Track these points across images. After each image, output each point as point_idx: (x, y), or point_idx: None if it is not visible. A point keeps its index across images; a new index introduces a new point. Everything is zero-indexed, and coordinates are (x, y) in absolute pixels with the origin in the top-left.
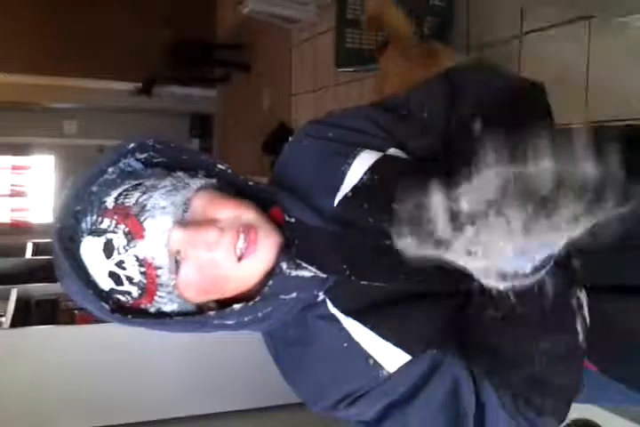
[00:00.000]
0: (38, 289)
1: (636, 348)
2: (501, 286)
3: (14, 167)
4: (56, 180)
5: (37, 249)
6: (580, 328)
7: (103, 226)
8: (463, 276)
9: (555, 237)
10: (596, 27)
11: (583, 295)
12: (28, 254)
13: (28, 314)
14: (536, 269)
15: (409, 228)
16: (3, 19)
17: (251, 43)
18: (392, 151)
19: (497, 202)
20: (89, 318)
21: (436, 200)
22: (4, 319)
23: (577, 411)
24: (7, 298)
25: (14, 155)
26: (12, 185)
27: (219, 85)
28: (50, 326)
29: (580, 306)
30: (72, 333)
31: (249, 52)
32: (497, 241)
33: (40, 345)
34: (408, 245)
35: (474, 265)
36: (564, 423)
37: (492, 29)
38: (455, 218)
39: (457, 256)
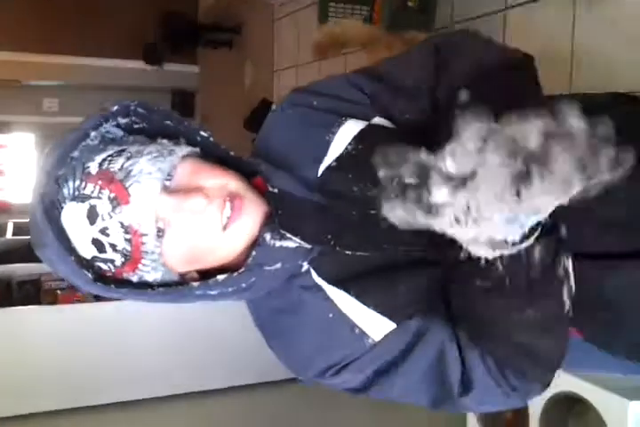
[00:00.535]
0: (20, 269)
1: (620, 315)
2: (490, 254)
3: None
4: (36, 158)
5: (18, 229)
6: (566, 297)
7: (87, 191)
8: (449, 244)
9: (544, 202)
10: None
11: (570, 264)
12: (9, 235)
13: (9, 295)
14: (525, 237)
15: (396, 194)
16: None
17: (232, 18)
18: (377, 120)
19: (484, 161)
20: (71, 298)
21: (422, 160)
22: None
23: (561, 384)
24: None
25: None
26: None
27: (201, 60)
28: (32, 306)
29: (567, 274)
30: (55, 313)
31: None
32: (486, 207)
33: (23, 326)
34: (395, 213)
35: (462, 233)
36: (547, 394)
37: (477, 3)
38: (443, 180)
39: (445, 224)
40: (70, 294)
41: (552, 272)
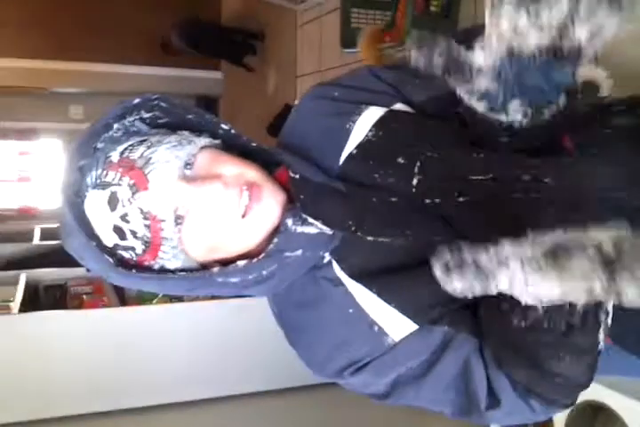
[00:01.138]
0: (47, 274)
1: None
2: (538, 304)
3: (21, 153)
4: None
5: (45, 234)
6: (601, 337)
7: (108, 179)
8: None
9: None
10: None
11: (610, 305)
12: (36, 240)
13: (36, 299)
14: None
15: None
16: (7, 5)
17: (256, 24)
18: (398, 106)
19: None
20: (97, 303)
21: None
22: (12, 304)
23: (585, 392)
24: (16, 283)
25: (21, 140)
26: (19, 170)
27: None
28: (58, 311)
29: (607, 314)
30: (80, 317)
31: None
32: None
33: (49, 330)
34: (454, 284)
35: (519, 293)
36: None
37: None
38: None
39: (501, 287)
40: (96, 299)
41: (593, 318)
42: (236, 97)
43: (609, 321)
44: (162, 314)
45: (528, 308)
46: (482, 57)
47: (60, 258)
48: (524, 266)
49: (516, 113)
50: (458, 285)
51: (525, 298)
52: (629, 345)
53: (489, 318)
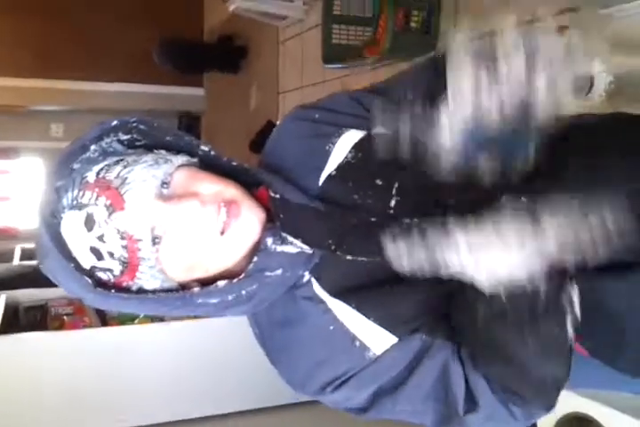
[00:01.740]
0: (27, 295)
1: (621, 328)
2: (494, 289)
3: (0, 171)
4: (44, 183)
5: (25, 254)
6: (569, 325)
7: (84, 200)
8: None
9: None
10: (581, 18)
11: (575, 294)
12: (16, 260)
13: (16, 320)
14: (531, 277)
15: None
16: None
17: (238, 40)
18: (377, 130)
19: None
20: (78, 324)
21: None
22: None
23: (570, 404)
24: None
25: (0, 159)
26: None
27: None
28: (39, 332)
29: (572, 305)
30: (62, 338)
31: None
32: (494, 253)
33: (30, 352)
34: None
35: (471, 271)
36: (557, 415)
37: (480, 23)
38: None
39: (455, 262)
40: (77, 320)
41: (556, 304)
42: (218, 113)
43: (577, 311)
44: (144, 334)
45: (492, 297)
46: (447, 137)
47: (40, 278)
48: (470, 247)
49: (486, 166)
50: (407, 265)
51: (478, 280)
52: (606, 358)
53: (459, 312)
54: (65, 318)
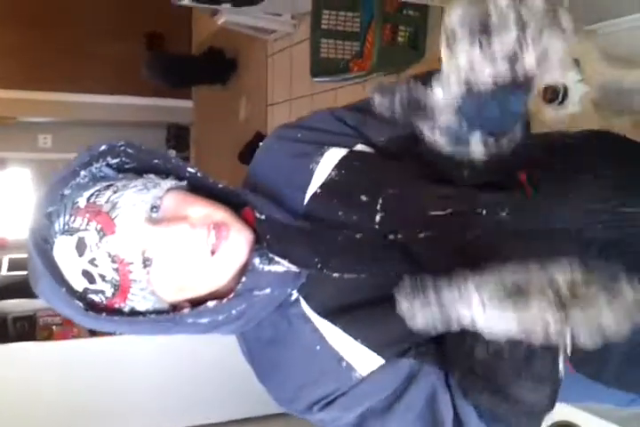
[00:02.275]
0: (15, 305)
1: (605, 344)
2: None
3: None
4: (32, 194)
5: (13, 265)
6: (561, 360)
7: (75, 225)
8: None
9: None
10: None
11: (569, 332)
12: (4, 270)
13: (5, 331)
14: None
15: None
16: None
17: (226, 54)
18: (359, 147)
19: None
20: (67, 334)
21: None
22: None
23: (556, 413)
24: None
25: None
26: None
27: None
28: (28, 342)
29: (565, 338)
30: (51, 349)
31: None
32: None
33: (18, 362)
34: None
35: (482, 326)
36: (544, 424)
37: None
38: None
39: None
40: (66, 330)
41: (552, 347)
42: (206, 125)
43: (568, 350)
44: (133, 344)
45: (490, 340)
46: (441, 94)
47: (28, 289)
48: (484, 306)
49: (476, 145)
50: (421, 322)
51: (486, 333)
52: (591, 373)
53: (453, 347)
54: (54, 328)
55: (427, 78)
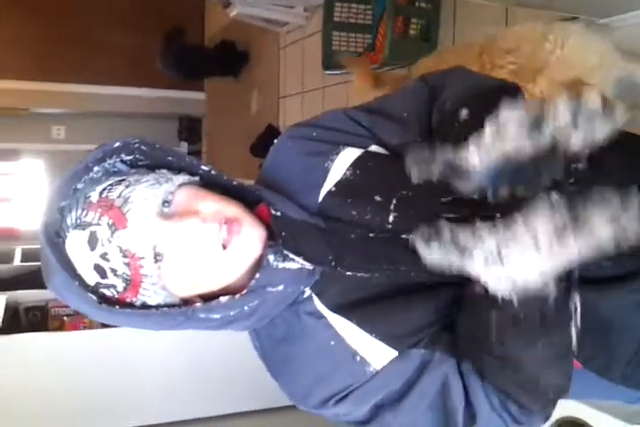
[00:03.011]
0: (27, 296)
1: (612, 339)
2: (508, 293)
3: (2, 173)
4: (45, 185)
5: (26, 255)
6: (573, 332)
7: (87, 219)
8: (462, 277)
9: (573, 256)
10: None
11: (578, 300)
12: (17, 261)
13: (17, 321)
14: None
15: (432, 235)
16: None
17: (238, 46)
18: (373, 148)
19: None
20: (78, 325)
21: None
22: None
23: (564, 409)
24: None
25: (2, 161)
26: (0, 191)
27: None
28: (40, 332)
29: (576, 310)
30: (62, 339)
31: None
32: (519, 254)
33: (30, 352)
34: (432, 252)
35: (487, 274)
36: (551, 420)
37: (478, 30)
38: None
39: (476, 265)
40: (77, 321)
41: (564, 308)
42: (219, 117)
43: (579, 318)
44: (143, 335)
45: (504, 304)
46: (477, 160)
47: (40, 279)
48: (500, 241)
49: (503, 192)
50: (436, 257)
51: (500, 280)
52: (599, 369)
53: (468, 322)
54: (65, 318)
55: (471, 112)
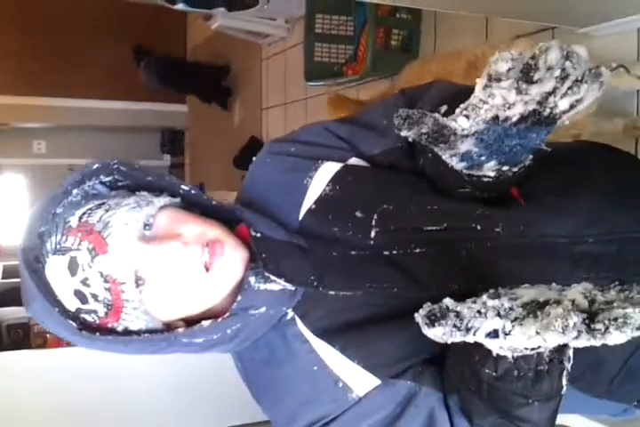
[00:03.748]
0: (9, 313)
1: (598, 356)
2: (506, 354)
3: None
4: (26, 200)
5: (7, 272)
6: (564, 381)
7: (67, 244)
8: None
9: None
10: (560, 37)
11: (571, 351)
12: None
13: None
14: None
15: (437, 318)
16: None
17: (221, 58)
18: (353, 161)
19: None
20: (61, 342)
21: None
22: None
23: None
24: None
25: None
26: None
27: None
28: (22, 350)
29: (569, 359)
30: (45, 357)
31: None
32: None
33: (13, 370)
34: (435, 332)
35: (491, 344)
36: None
37: (459, 40)
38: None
39: (478, 339)
40: (60, 338)
41: (558, 364)
42: (201, 129)
43: (568, 366)
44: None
45: (499, 358)
46: (466, 124)
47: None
48: (504, 317)
49: (489, 171)
50: (439, 331)
51: (501, 348)
52: (584, 387)
53: (458, 369)
54: (48, 335)
55: (450, 106)
